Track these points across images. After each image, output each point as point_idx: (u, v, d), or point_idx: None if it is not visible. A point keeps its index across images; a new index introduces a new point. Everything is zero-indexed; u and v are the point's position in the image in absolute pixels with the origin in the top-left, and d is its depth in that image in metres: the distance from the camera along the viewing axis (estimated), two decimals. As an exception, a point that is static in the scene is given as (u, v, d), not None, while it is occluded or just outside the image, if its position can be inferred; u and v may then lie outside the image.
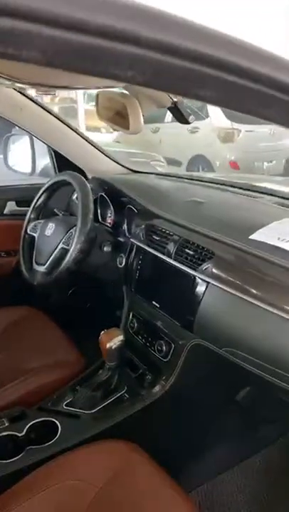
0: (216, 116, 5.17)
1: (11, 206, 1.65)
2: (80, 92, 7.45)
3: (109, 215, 1.44)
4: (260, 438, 1.29)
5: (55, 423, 1.01)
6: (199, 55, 0.25)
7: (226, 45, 0.27)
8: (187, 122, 0.91)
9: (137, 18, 0.23)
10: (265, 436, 1.30)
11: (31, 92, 1.28)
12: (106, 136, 7.11)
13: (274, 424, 1.31)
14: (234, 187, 1.32)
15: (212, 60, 0.25)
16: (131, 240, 1.21)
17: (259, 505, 1.15)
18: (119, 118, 0.88)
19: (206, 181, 1.42)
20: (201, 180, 1.43)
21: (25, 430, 0.99)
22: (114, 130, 0.90)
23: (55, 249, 1.20)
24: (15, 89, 1.24)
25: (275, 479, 1.22)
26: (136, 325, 1.21)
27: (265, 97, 0.27)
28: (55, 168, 1.60)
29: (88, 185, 1.19)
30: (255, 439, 1.28)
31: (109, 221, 1.45)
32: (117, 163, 1.66)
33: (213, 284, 0.93)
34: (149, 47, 0.24)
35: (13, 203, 1.64)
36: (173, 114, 0.91)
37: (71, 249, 1.12)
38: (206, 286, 0.94)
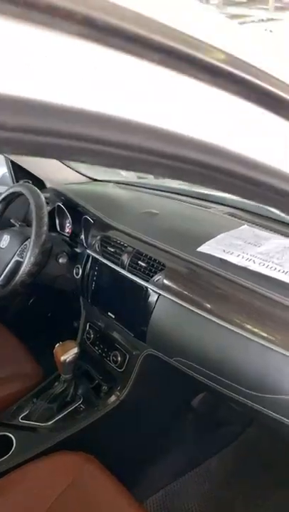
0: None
1: None
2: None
3: (67, 224, 1.45)
4: (216, 441, 1.33)
5: (10, 437, 1.01)
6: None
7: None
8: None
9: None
10: (221, 439, 1.33)
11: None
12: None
13: (229, 427, 1.34)
14: (188, 196, 1.36)
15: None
16: (87, 250, 1.22)
17: (216, 507, 1.19)
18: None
19: (162, 190, 1.44)
20: (158, 189, 1.46)
21: None
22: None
23: (10, 261, 1.19)
24: None
25: (230, 480, 1.26)
26: (92, 336, 1.22)
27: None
28: (12, 177, 1.59)
29: (42, 196, 1.19)
30: (210, 442, 1.31)
31: (67, 231, 1.45)
32: (76, 171, 1.66)
33: (163, 295, 0.95)
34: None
35: None
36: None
37: (25, 262, 1.11)
38: (158, 298, 0.97)
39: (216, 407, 1.25)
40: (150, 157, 0.24)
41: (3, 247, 1.23)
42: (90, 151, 0.24)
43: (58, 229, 1.47)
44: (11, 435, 1.01)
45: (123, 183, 1.65)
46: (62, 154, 0.25)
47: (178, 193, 1.41)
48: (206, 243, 0.97)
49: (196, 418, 1.24)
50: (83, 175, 1.67)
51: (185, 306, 0.90)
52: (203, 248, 0.96)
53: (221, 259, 0.91)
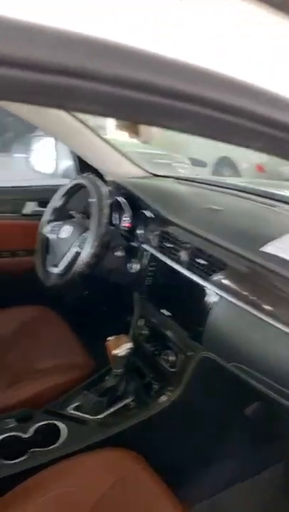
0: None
1: (31, 206, 1.67)
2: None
3: (124, 218, 1.43)
4: (269, 454, 1.25)
5: (58, 427, 1.01)
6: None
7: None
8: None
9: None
10: (275, 452, 1.26)
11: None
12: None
13: (284, 440, 1.27)
14: (253, 194, 1.29)
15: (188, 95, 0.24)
16: (144, 245, 1.20)
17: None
18: (135, 126, 0.87)
19: (224, 187, 1.38)
20: (220, 186, 1.40)
21: (30, 432, 1.00)
22: (131, 137, 0.90)
23: (69, 251, 1.20)
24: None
25: (281, 496, 1.18)
26: (146, 332, 1.20)
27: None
28: (77, 169, 1.61)
29: (104, 189, 1.18)
30: (263, 455, 1.24)
31: (125, 225, 1.44)
32: (137, 166, 1.64)
33: (223, 295, 0.90)
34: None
35: (34, 203, 1.66)
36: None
37: (84, 253, 1.11)
38: (216, 298, 0.92)
39: (271, 419, 1.18)
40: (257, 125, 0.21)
41: (63, 237, 1.24)
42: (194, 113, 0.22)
43: (116, 223, 1.46)
44: (61, 425, 1.02)
45: (183, 179, 1.61)
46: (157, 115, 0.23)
47: (240, 190, 1.35)
48: (271, 243, 0.91)
49: (250, 428, 1.18)
50: (144, 169, 1.65)
51: (246, 309, 0.84)
52: (267, 248, 0.90)
53: (286, 261, 0.85)
